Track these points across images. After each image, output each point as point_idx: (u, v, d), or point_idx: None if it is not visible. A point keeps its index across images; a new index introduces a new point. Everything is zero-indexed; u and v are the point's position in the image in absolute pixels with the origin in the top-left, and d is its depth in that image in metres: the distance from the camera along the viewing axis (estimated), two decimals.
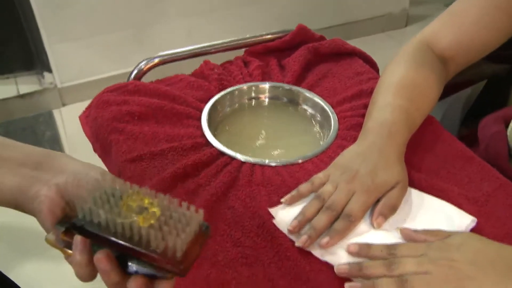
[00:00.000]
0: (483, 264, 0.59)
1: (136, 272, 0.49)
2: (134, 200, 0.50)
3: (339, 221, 0.66)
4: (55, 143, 2.03)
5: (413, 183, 0.73)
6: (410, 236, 0.66)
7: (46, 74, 2.15)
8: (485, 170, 0.76)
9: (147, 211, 0.49)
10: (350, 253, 0.64)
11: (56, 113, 2.19)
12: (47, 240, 0.53)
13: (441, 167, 0.76)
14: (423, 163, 0.77)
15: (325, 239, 0.64)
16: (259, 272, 0.63)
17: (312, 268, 0.63)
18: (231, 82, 0.93)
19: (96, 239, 0.49)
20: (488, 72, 1.07)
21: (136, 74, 0.96)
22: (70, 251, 0.52)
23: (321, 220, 0.66)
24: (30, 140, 1.99)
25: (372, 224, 0.67)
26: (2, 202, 0.56)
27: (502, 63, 1.06)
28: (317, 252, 0.65)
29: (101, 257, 0.49)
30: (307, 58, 0.96)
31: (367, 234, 0.67)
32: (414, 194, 0.71)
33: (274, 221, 0.68)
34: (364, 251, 0.64)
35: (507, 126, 0.91)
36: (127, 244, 0.47)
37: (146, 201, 0.50)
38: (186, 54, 0.98)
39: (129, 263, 0.49)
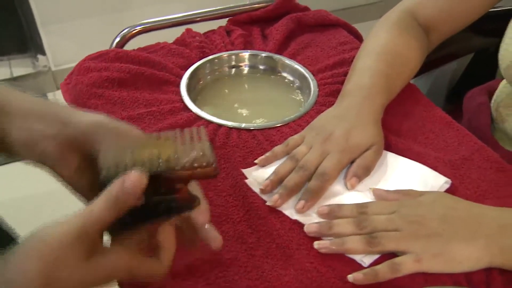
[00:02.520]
0: (453, 221, 0.59)
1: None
2: (146, 146, 0.49)
3: (313, 180, 0.66)
4: None
5: (390, 147, 0.73)
6: (382, 196, 0.65)
7: (40, 57, 2.14)
8: (462, 135, 0.75)
9: (162, 145, 0.48)
10: (321, 215, 0.64)
11: (50, 96, 2.18)
12: None
13: (419, 132, 0.76)
14: (401, 128, 0.77)
15: (300, 203, 0.64)
16: (229, 230, 0.63)
17: (282, 227, 0.63)
18: (213, 50, 0.92)
19: None
20: (476, 45, 1.07)
21: (118, 42, 0.95)
22: None
23: (293, 179, 0.66)
24: None
25: (345, 185, 0.67)
26: (12, 154, 0.53)
27: (490, 37, 1.05)
28: (287, 212, 0.64)
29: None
30: (290, 28, 0.95)
31: (339, 196, 0.66)
32: (389, 157, 0.71)
33: (246, 181, 0.68)
34: (334, 212, 0.63)
35: (491, 98, 0.91)
36: (162, 169, 0.46)
37: (156, 142, 0.49)
38: (168, 23, 0.97)
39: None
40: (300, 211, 0.63)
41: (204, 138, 0.49)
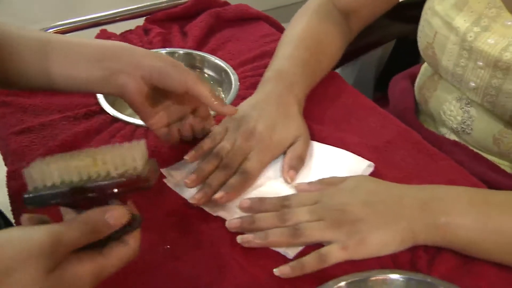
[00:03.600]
0: (375, 205, 0.58)
1: None
2: (76, 159, 0.47)
3: (235, 176, 0.63)
4: None
5: (314, 135, 0.72)
6: (305, 190, 0.64)
7: None
8: (385, 119, 0.75)
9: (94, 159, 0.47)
10: (242, 209, 0.61)
11: None
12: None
13: (342, 119, 0.75)
14: (324, 116, 0.76)
15: (219, 194, 0.61)
16: (150, 228, 0.59)
17: (204, 224, 0.60)
18: None
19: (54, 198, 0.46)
20: (395, 32, 1.08)
21: None
22: None
23: (217, 178, 0.63)
24: None
25: (285, 180, 0.65)
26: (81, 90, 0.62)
27: (409, 23, 1.06)
28: (209, 208, 0.61)
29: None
30: (209, 23, 0.93)
31: (261, 188, 0.64)
32: (312, 145, 0.69)
33: (165, 180, 0.65)
34: (256, 205, 0.61)
35: (414, 83, 0.92)
36: (92, 184, 0.45)
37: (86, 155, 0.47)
38: (82, 24, 0.93)
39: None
40: (218, 202, 0.61)
41: (141, 151, 0.47)
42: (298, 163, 0.66)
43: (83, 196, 0.46)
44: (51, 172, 0.46)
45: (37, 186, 0.46)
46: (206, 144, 0.67)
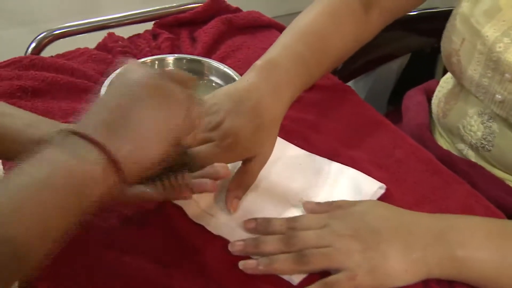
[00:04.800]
0: (386, 232, 0.55)
1: None
2: None
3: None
4: None
5: (323, 151, 0.69)
6: (313, 210, 0.60)
7: None
8: (397, 137, 0.72)
9: None
10: (248, 229, 0.58)
11: None
12: None
13: (352, 134, 0.72)
14: (335, 131, 0.73)
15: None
16: (145, 249, 0.57)
17: (203, 244, 0.57)
18: (137, 56, 0.86)
19: None
20: (412, 45, 1.05)
21: (34, 48, 0.88)
22: None
23: None
24: None
25: (228, 209, 0.60)
26: None
27: (425, 36, 1.03)
28: (210, 227, 0.59)
29: None
30: (220, 30, 0.90)
31: (266, 208, 0.61)
32: (320, 162, 0.67)
33: None
34: (262, 226, 0.58)
35: (429, 99, 0.89)
36: None
37: None
38: (90, 27, 0.91)
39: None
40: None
41: None
42: (243, 191, 0.61)
43: None
44: None
45: None
46: None
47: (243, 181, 0.61)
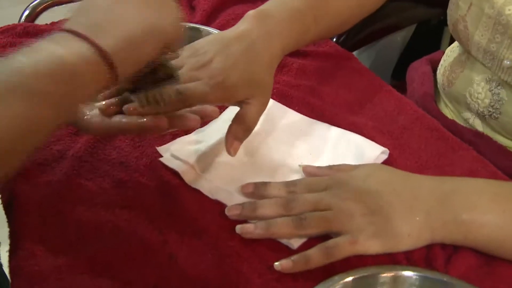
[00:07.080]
0: (389, 196, 0.53)
1: None
2: None
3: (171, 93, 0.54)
4: None
5: (325, 117, 0.67)
6: (313, 174, 0.58)
7: None
8: (402, 104, 0.70)
9: None
10: (245, 193, 0.56)
11: None
12: None
13: (356, 101, 0.70)
14: (337, 97, 0.71)
15: (132, 105, 0.53)
16: (141, 214, 0.55)
17: (200, 209, 0.55)
18: None
19: None
20: (417, 16, 1.02)
21: (28, 15, 0.86)
22: None
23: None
24: None
25: (228, 152, 0.57)
26: None
27: (431, 7, 1.01)
28: (206, 190, 0.57)
29: None
30: None
31: (265, 172, 0.59)
32: (322, 127, 0.65)
33: (162, 159, 0.60)
34: (260, 190, 0.56)
35: (434, 69, 0.86)
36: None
37: None
38: None
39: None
40: (130, 113, 0.53)
41: None
42: (244, 134, 0.58)
43: None
44: None
45: None
46: None
47: (242, 124, 0.58)
